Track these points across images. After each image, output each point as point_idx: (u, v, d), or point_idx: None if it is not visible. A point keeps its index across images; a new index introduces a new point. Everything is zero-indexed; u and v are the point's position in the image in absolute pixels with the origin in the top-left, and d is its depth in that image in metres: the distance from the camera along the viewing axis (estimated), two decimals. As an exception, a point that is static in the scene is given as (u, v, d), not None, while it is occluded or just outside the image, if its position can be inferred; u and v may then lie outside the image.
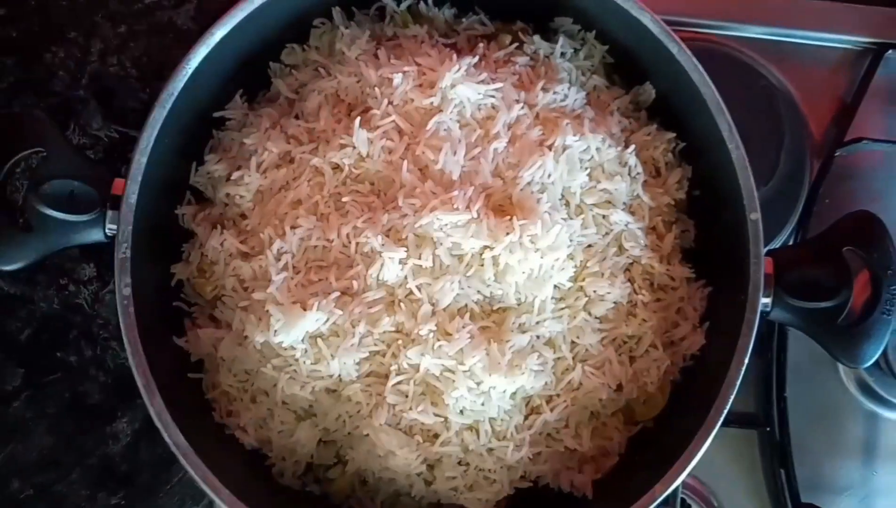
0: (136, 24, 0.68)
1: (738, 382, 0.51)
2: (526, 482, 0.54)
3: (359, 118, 0.52)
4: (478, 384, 0.50)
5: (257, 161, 0.53)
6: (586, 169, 0.53)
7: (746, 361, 0.51)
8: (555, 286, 0.52)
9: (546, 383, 0.52)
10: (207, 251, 0.54)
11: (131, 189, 0.50)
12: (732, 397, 0.51)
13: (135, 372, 0.50)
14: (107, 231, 0.51)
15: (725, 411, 0.50)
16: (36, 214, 0.48)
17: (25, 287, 0.65)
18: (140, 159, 0.51)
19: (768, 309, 0.52)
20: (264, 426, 0.54)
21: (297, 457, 0.54)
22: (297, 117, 0.55)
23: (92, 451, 0.64)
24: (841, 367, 0.65)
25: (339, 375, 0.51)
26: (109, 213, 0.51)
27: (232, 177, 0.54)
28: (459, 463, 0.53)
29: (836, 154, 0.65)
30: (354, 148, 0.51)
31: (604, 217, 0.53)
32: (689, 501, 0.62)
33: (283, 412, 0.53)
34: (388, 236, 0.49)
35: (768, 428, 0.63)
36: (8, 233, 0.48)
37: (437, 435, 0.51)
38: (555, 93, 0.55)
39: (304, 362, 0.50)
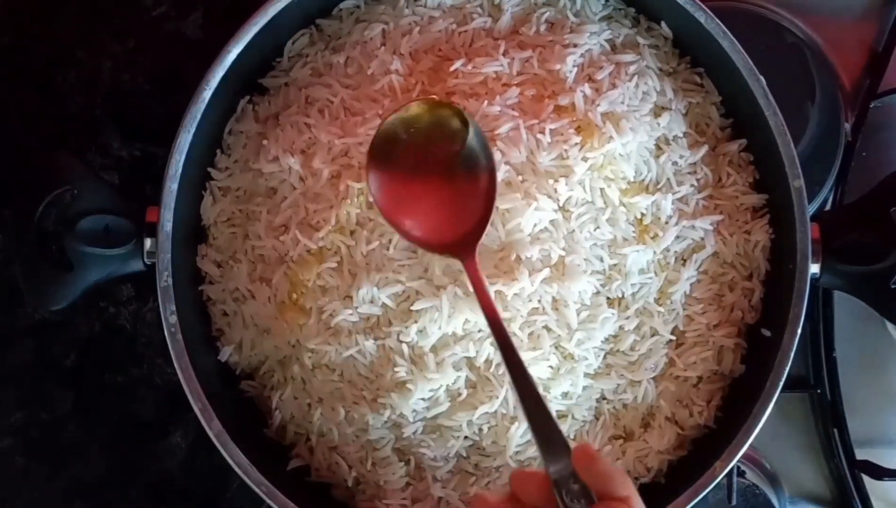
0: (144, 37, 0.67)
1: (792, 355, 0.50)
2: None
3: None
4: None
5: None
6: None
7: (799, 332, 0.50)
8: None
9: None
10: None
11: (166, 216, 0.50)
12: (787, 370, 0.50)
13: (190, 398, 0.50)
14: (145, 260, 0.51)
15: (780, 385, 0.50)
16: (74, 252, 0.49)
17: (66, 313, 0.65)
18: (171, 186, 0.50)
19: (818, 276, 0.51)
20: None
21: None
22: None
23: (149, 468, 0.65)
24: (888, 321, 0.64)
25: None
26: (147, 242, 0.51)
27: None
28: None
29: (871, 105, 0.63)
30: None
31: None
32: (743, 468, 0.62)
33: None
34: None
35: (819, 390, 0.62)
36: (50, 275, 0.48)
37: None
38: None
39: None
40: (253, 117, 0.56)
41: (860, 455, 0.62)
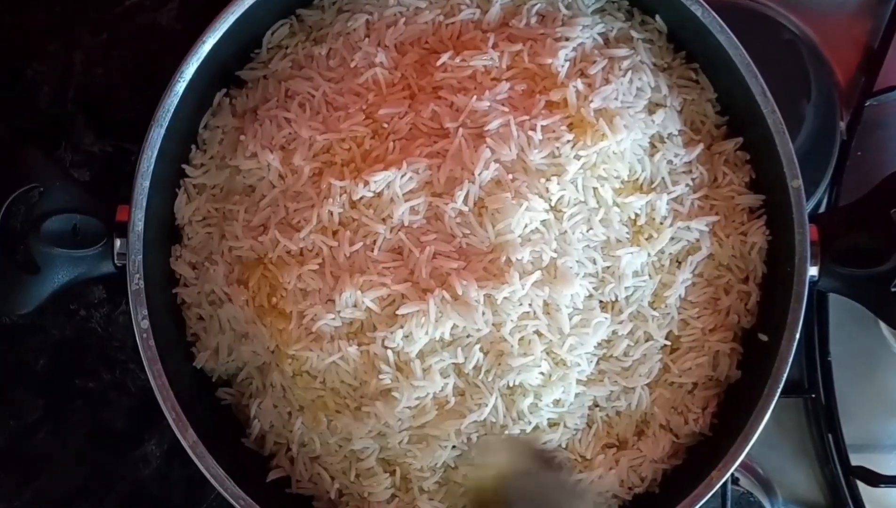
0: (117, 29, 0.64)
1: (790, 360, 0.49)
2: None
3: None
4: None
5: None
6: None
7: (798, 336, 0.49)
8: None
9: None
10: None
11: (137, 216, 0.48)
12: (785, 377, 0.49)
13: (163, 406, 0.48)
14: (116, 261, 0.49)
15: (778, 391, 0.49)
16: (40, 253, 0.46)
17: (35, 316, 0.62)
18: (142, 183, 0.48)
19: (816, 279, 0.50)
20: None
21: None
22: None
23: (122, 477, 0.63)
24: (883, 324, 0.63)
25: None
26: (117, 242, 0.48)
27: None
28: None
29: (867, 104, 0.62)
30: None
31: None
32: (737, 474, 0.61)
33: None
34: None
35: (813, 395, 0.61)
36: (14, 278, 0.46)
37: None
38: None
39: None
40: (230, 111, 0.54)
41: (855, 460, 0.61)
